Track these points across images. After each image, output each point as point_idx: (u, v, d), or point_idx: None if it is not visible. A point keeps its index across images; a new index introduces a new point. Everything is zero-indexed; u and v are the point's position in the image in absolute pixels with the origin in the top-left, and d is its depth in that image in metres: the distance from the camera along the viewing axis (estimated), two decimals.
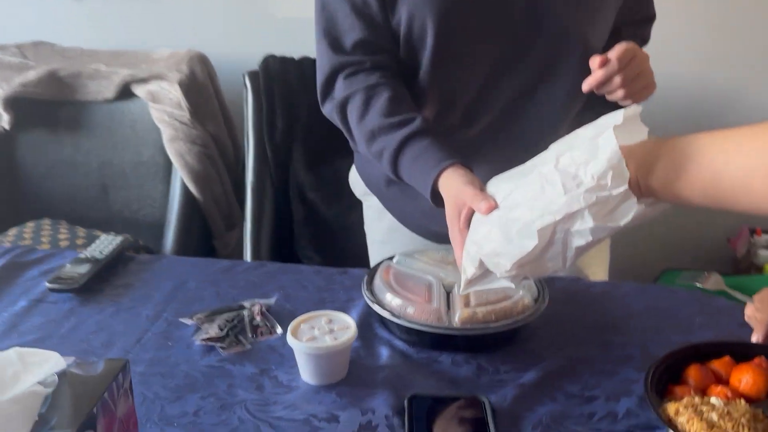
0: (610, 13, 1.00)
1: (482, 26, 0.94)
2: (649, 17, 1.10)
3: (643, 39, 1.08)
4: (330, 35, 0.96)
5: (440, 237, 1.13)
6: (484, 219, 0.73)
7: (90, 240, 1.59)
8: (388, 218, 1.16)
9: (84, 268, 0.99)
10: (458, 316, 0.81)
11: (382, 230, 1.19)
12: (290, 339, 0.76)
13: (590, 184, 0.62)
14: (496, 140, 1.04)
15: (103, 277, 1.02)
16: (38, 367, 0.55)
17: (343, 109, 0.96)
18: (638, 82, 0.89)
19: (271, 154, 1.55)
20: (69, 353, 0.82)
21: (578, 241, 0.65)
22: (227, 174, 1.84)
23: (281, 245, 1.54)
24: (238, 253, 1.86)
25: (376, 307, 0.85)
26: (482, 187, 0.77)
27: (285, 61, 1.59)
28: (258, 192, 1.54)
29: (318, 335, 0.77)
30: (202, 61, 1.78)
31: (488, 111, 1.01)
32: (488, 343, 0.83)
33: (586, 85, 0.88)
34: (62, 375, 0.59)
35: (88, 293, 0.98)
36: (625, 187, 0.61)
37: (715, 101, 2.03)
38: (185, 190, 1.70)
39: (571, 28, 0.96)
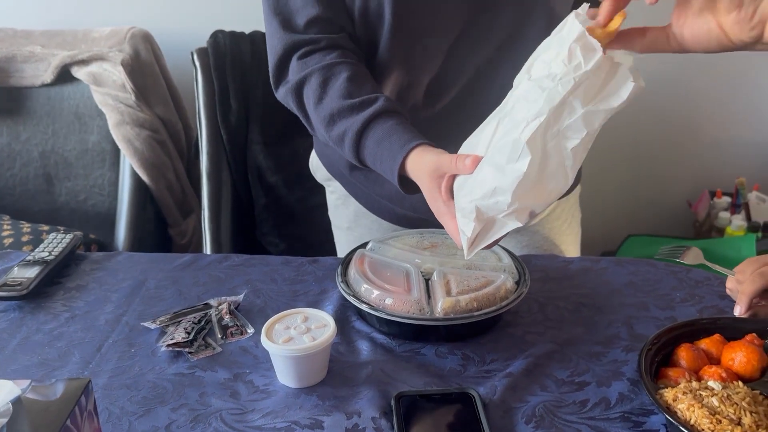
0: None
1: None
2: None
3: None
4: (281, 13, 0.89)
5: (410, 221, 1.09)
6: (468, 175, 0.69)
7: (36, 235, 1.50)
8: (353, 203, 1.11)
9: (32, 272, 0.92)
10: (440, 305, 0.78)
11: (347, 216, 1.14)
12: (265, 342, 0.71)
13: (563, 70, 0.59)
14: (460, 116, 0.99)
15: (54, 280, 0.95)
16: None
17: (298, 92, 0.89)
18: None
19: (226, 136, 1.48)
20: (22, 369, 0.76)
21: (573, 140, 0.62)
22: (180, 159, 1.76)
23: (242, 233, 1.48)
24: (197, 242, 1.79)
25: (353, 300, 0.81)
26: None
27: (235, 36, 1.52)
28: (214, 177, 1.47)
29: (295, 335, 0.72)
30: (146, 39, 1.68)
31: (451, 87, 0.96)
32: (472, 331, 0.80)
33: None
34: (17, 403, 0.54)
35: (39, 299, 0.91)
36: (598, 55, 0.58)
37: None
38: (136, 177, 1.62)
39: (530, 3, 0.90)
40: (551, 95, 0.61)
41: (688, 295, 0.90)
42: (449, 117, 0.99)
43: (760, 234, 1.89)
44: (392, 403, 0.68)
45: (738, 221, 1.99)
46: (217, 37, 1.49)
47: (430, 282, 0.84)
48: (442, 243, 0.94)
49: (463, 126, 0.98)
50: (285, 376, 0.73)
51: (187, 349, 0.78)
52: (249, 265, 1.00)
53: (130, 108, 1.59)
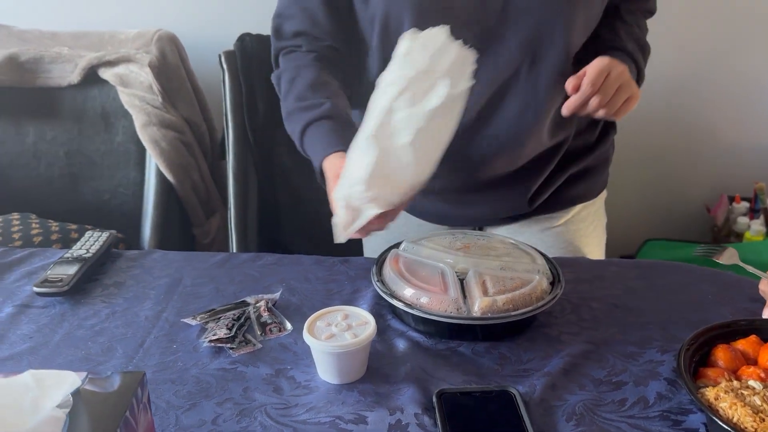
0: (594, 4, 0.97)
1: (457, 21, 0.90)
2: None
3: (646, 11, 1.06)
4: (279, 16, 1.04)
5: (439, 217, 1.11)
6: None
7: (65, 234, 1.52)
8: None
9: (72, 269, 0.93)
10: (478, 305, 0.79)
11: None
12: (308, 338, 0.72)
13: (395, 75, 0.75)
14: (472, 142, 1.03)
15: (92, 277, 0.97)
16: (56, 390, 0.51)
17: (277, 83, 1.04)
18: (618, 98, 0.90)
19: (253, 137, 1.50)
20: (67, 363, 0.78)
21: (405, 137, 0.74)
22: (204, 160, 1.78)
23: (267, 233, 1.50)
24: (219, 242, 1.81)
25: (390, 299, 0.82)
26: None
27: (262, 39, 1.53)
28: (240, 178, 1.49)
29: (336, 332, 0.73)
30: (173, 41, 1.70)
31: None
32: (508, 331, 0.81)
33: (565, 110, 0.90)
34: (76, 394, 0.55)
35: (78, 295, 0.92)
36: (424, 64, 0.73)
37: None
38: (161, 178, 1.64)
39: (548, 24, 0.93)
40: (382, 98, 0.75)
41: (720, 298, 0.91)
42: (463, 143, 1.00)
43: None
44: (434, 399, 0.70)
45: (757, 226, 1.99)
46: (245, 40, 1.50)
47: (464, 282, 0.85)
48: (475, 244, 0.95)
49: (475, 151, 1.00)
50: (326, 372, 0.74)
51: (228, 345, 0.80)
52: (282, 264, 1.02)
53: (156, 109, 1.61)
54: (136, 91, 1.62)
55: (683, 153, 2.15)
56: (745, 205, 2.07)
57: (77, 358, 0.79)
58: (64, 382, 0.52)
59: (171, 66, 1.66)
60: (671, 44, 1.97)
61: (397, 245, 0.95)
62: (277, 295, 0.91)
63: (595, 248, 1.20)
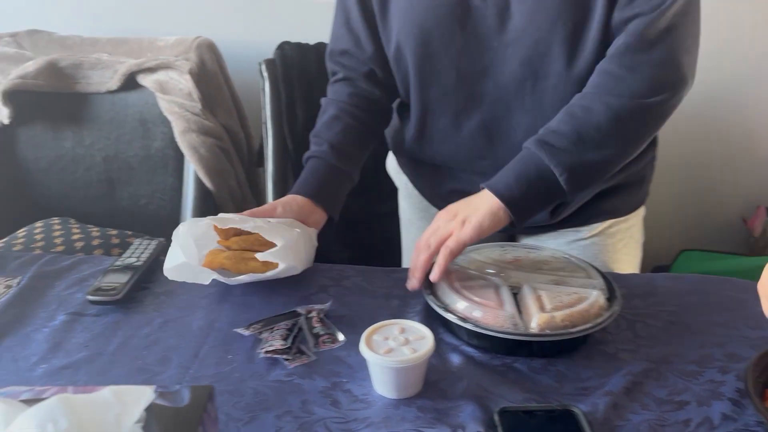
0: (595, 21, 0.91)
1: (455, 47, 0.98)
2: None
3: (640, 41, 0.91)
4: (333, 34, 1.12)
5: None
6: None
7: (105, 239, 1.53)
8: (417, 196, 1.23)
9: (124, 277, 0.94)
10: (536, 321, 0.78)
11: (413, 209, 1.25)
12: (367, 352, 0.72)
13: None
14: (483, 159, 1.06)
15: (142, 285, 0.97)
16: (135, 406, 0.51)
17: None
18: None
19: (292, 145, 1.50)
20: (124, 374, 0.78)
21: None
22: (241, 166, 1.79)
23: None
24: None
25: (445, 314, 0.82)
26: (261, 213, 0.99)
27: (302, 48, 1.54)
28: (280, 186, 1.49)
29: (395, 347, 0.73)
30: (211, 48, 1.71)
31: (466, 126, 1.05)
32: (565, 348, 0.80)
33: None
34: (149, 409, 0.55)
35: (130, 303, 0.93)
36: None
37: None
38: (200, 184, 1.64)
39: (545, 41, 0.92)
40: None
41: None
42: (477, 138, 1.04)
43: None
44: (495, 417, 0.69)
45: None
46: (284, 48, 1.51)
47: (518, 296, 0.85)
48: (526, 257, 0.94)
49: (494, 161, 1.01)
50: (384, 387, 0.73)
51: (284, 357, 0.80)
52: (324, 274, 1.02)
53: (196, 116, 1.62)
54: (175, 97, 1.63)
55: (720, 163, 2.12)
56: None
57: (134, 368, 0.80)
58: (142, 398, 0.52)
59: (210, 73, 1.68)
60: (708, 50, 1.94)
61: None
62: (327, 306, 0.91)
63: (625, 265, 1.17)
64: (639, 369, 0.78)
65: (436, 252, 0.87)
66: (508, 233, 1.16)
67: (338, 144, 1.05)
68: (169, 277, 0.90)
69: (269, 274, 0.91)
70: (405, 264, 1.29)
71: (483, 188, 0.90)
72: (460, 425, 0.69)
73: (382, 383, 0.73)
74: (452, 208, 0.90)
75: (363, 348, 0.73)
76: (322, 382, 0.76)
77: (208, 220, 0.93)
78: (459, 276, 0.88)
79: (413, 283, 0.87)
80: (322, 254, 1.48)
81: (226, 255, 0.91)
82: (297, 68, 1.49)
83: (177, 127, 1.63)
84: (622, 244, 1.14)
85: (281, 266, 0.90)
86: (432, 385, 0.76)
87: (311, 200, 1.02)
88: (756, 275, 1.04)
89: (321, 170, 1.04)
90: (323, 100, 1.12)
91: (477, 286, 0.86)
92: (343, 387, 0.76)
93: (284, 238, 0.92)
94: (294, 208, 1.00)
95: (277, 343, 0.80)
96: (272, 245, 0.90)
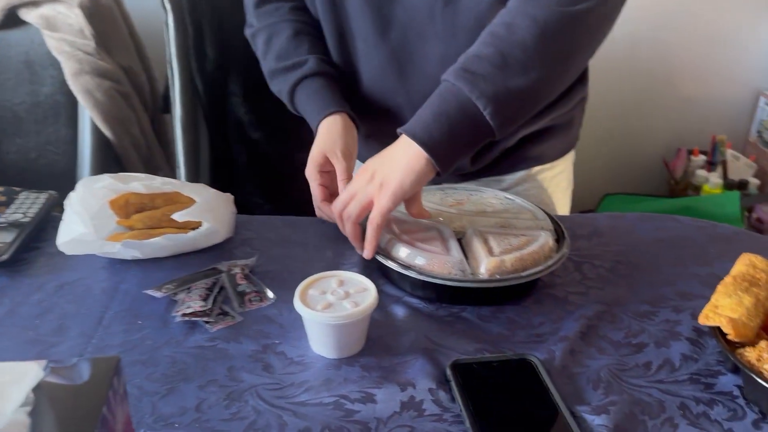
0: None
1: None
2: None
3: None
4: None
5: None
6: None
7: None
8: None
9: (9, 236, 0.81)
10: (485, 266, 0.72)
11: None
12: (303, 309, 0.64)
13: None
14: (396, 92, 0.97)
15: (31, 245, 0.85)
16: (17, 386, 0.41)
17: (253, 41, 1.01)
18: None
19: (202, 87, 1.37)
20: (14, 347, 0.67)
21: None
22: (145, 113, 1.63)
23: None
24: None
25: (387, 262, 0.74)
26: (351, 152, 0.88)
27: None
28: (190, 132, 1.36)
29: (334, 301, 0.65)
30: None
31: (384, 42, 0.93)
32: (515, 293, 0.75)
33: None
34: (38, 389, 0.45)
35: (18, 265, 0.80)
36: None
37: None
38: (98, 133, 1.48)
39: None
40: None
41: (722, 251, 0.88)
42: (388, 69, 0.95)
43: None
44: (448, 372, 0.63)
45: (714, 179, 2.01)
46: None
47: (463, 242, 0.79)
48: (468, 199, 0.88)
49: (407, 93, 0.93)
50: (323, 346, 0.66)
51: (204, 319, 0.70)
52: (247, 226, 0.92)
53: (89, 56, 1.45)
54: (64, 35, 1.45)
55: (641, 107, 2.14)
56: (702, 158, 2.09)
57: (24, 340, 0.68)
58: (25, 376, 0.42)
59: (104, 7, 1.49)
60: None
61: None
62: (252, 260, 0.81)
63: (564, 207, 1.13)
64: (591, 312, 0.74)
65: (360, 220, 0.79)
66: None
67: (320, 56, 0.95)
68: (66, 252, 0.78)
69: (192, 235, 0.80)
70: None
71: (400, 134, 0.79)
72: (409, 382, 0.63)
73: (321, 342, 0.66)
74: (369, 166, 0.79)
75: (298, 304, 0.65)
76: (251, 345, 0.68)
77: (105, 181, 0.80)
78: (398, 221, 0.81)
79: (366, 253, 0.77)
80: (242, 208, 1.37)
81: (129, 236, 0.80)
82: (205, 1, 1.35)
83: (68, 69, 1.45)
84: (549, 192, 1.08)
85: (205, 225, 0.80)
86: (375, 342, 0.69)
87: (348, 115, 0.92)
88: None
89: (329, 84, 0.94)
90: (254, 30, 1.00)
91: (419, 232, 0.79)
92: (275, 349, 0.67)
93: (202, 195, 0.81)
94: (341, 130, 0.90)
95: (196, 305, 0.71)
96: (185, 207, 0.80)
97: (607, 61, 2.09)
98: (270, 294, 0.76)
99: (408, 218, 0.81)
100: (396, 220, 0.81)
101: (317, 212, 0.90)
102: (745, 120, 2.18)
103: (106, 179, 0.80)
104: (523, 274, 0.72)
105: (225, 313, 0.72)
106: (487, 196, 0.89)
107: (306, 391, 0.62)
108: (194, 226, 0.80)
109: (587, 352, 0.68)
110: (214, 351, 0.67)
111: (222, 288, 0.76)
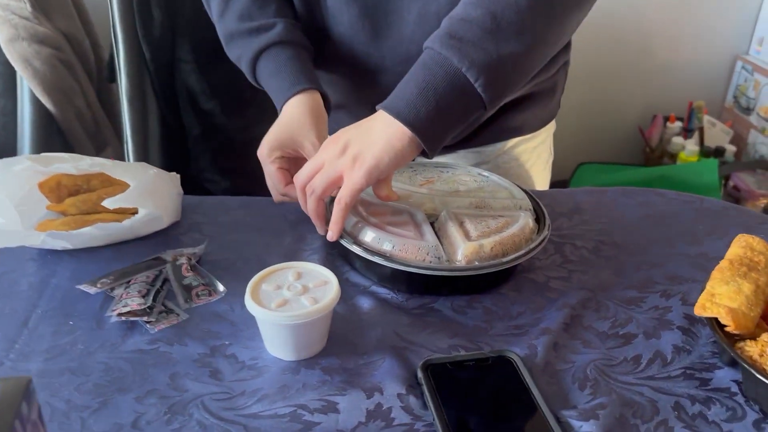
0: None
1: None
2: None
3: None
4: None
5: None
6: None
7: None
8: None
9: None
10: (462, 252, 0.66)
11: None
12: (255, 308, 0.57)
13: None
14: (371, 54, 0.87)
15: None
16: None
17: (206, 1, 0.89)
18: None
19: (149, 54, 1.27)
20: None
21: None
22: (89, 83, 1.52)
23: (175, 169, 1.29)
24: None
25: (353, 247, 0.67)
26: (319, 138, 0.77)
27: None
28: (137, 103, 1.26)
29: (291, 297, 0.58)
30: None
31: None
32: (492, 280, 0.69)
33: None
34: None
35: None
36: None
37: None
38: (38, 105, 1.37)
39: None
40: None
41: (711, 228, 0.83)
42: (365, 47, 0.86)
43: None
44: (419, 374, 0.57)
45: (691, 146, 1.97)
46: None
47: (436, 225, 0.72)
48: (439, 178, 0.81)
49: (382, 55, 0.85)
50: (280, 348, 0.59)
51: (144, 318, 0.63)
52: (196, 209, 0.84)
53: (25, 20, 1.33)
54: None
55: (616, 73, 2.09)
56: (679, 125, 2.05)
57: None
58: None
59: None
60: None
61: None
62: (201, 248, 0.74)
63: (543, 182, 1.07)
64: (575, 299, 0.68)
65: (326, 195, 0.71)
66: None
67: (290, 20, 0.84)
68: None
69: (127, 224, 0.72)
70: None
71: (378, 110, 0.70)
72: (376, 387, 0.56)
73: (277, 344, 0.59)
74: (342, 136, 0.70)
75: (250, 303, 0.57)
76: (198, 347, 0.61)
77: (24, 164, 0.71)
78: (365, 203, 0.74)
79: (331, 234, 0.69)
80: (194, 185, 1.28)
81: (61, 222, 0.71)
82: None
83: (2, 35, 1.34)
84: (529, 165, 1.01)
85: (142, 212, 0.72)
86: (338, 339, 0.62)
87: (321, 94, 0.82)
88: (653, 186, 0.97)
89: (299, 55, 0.83)
90: None
91: (388, 215, 0.72)
92: (225, 352, 0.60)
93: (137, 177, 0.73)
94: (312, 114, 0.80)
95: (134, 302, 0.63)
96: (122, 190, 0.72)
97: (582, 27, 2.02)
98: (220, 287, 0.68)
99: (375, 199, 0.74)
100: (362, 201, 0.74)
101: (276, 198, 0.82)
102: (722, 85, 2.14)
103: (25, 161, 0.71)
104: (505, 260, 0.66)
105: (169, 311, 0.65)
106: (460, 173, 0.82)
107: (259, 401, 0.55)
108: (131, 212, 0.72)
109: (572, 346, 0.62)
110: (155, 355, 0.60)
111: (165, 281, 0.68)
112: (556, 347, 0.62)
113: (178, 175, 0.83)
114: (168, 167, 1.00)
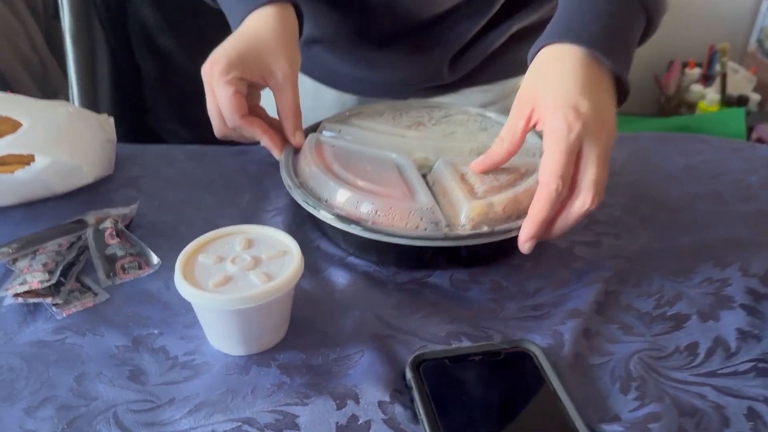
0: None
1: None
2: None
3: None
4: None
5: (337, 80, 0.83)
6: None
7: None
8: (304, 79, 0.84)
9: None
10: (466, 214, 0.51)
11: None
12: (185, 288, 0.43)
13: None
14: None
15: None
16: None
17: None
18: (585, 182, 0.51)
19: None
20: None
21: None
22: (35, 23, 1.35)
23: (128, 117, 1.14)
24: None
25: (320, 213, 0.53)
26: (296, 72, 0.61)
27: None
28: (83, 42, 1.10)
29: (235, 273, 0.44)
30: None
31: None
32: (503, 248, 0.55)
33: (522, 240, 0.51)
34: None
35: None
36: None
37: None
38: None
39: None
40: None
41: (766, 180, 0.69)
42: None
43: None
44: (408, 374, 0.43)
45: (711, 95, 1.82)
46: None
47: (430, 179, 0.58)
48: (430, 119, 0.67)
49: None
50: (223, 340, 0.45)
51: (50, 299, 0.49)
52: (138, 161, 0.70)
53: None
54: None
55: None
56: (698, 71, 1.90)
57: None
58: None
59: None
60: None
61: (314, 127, 0.65)
62: (132, 209, 0.60)
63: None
64: (608, 271, 0.54)
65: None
66: (393, 96, 0.84)
67: None
68: None
69: (23, 176, 0.58)
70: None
71: (541, 49, 0.53)
72: (349, 393, 0.43)
73: (219, 335, 0.45)
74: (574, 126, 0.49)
75: (180, 281, 0.43)
76: (117, 338, 0.47)
77: None
78: (338, 155, 0.59)
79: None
80: (153, 138, 1.15)
81: None
82: None
83: None
84: None
85: (41, 160, 0.57)
86: (302, 327, 0.48)
87: (294, 7, 0.64)
88: None
89: None
90: None
91: (369, 169, 0.57)
92: (152, 344, 0.47)
93: (35, 115, 0.58)
94: (284, 32, 0.62)
95: (36, 279, 0.49)
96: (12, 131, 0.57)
97: None
98: (154, 258, 0.54)
99: (351, 151, 0.60)
100: (337, 154, 0.59)
101: (219, 131, 0.63)
102: (745, 28, 1.97)
103: None
104: (522, 222, 0.52)
105: (84, 289, 0.51)
106: (455, 113, 0.68)
107: (192, 413, 0.41)
108: (24, 161, 0.57)
109: (608, 333, 0.48)
110: (60, 349, 0.46)
111: (83, 251, 0.54)
112: (588, 335, 0.48)
113: (111, 118, 0.69)
114: (120, 116, 0.85)
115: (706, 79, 1.87)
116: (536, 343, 0.46)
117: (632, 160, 0.72)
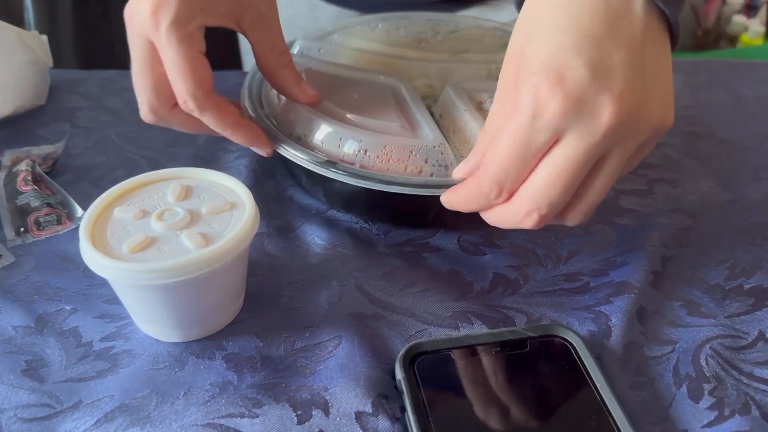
0: None
1: None
2: None
3: None
4: None
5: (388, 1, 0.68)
6: None
7: None
8: None
9: None
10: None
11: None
12: (90, 254, 0.31)
13: None
14: None
15: None
16: None
17: None
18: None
19: None
20: None
21: None
22: None
23: (90, 52, 1.02)
24: None
25: (298, 158, 0.41)
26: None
27: None
28: None
29: (162, 233, 0.33)
30: None
31: None
32: None
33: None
34: None
35: None
36: None
37: None
38: None
39: None
40: None
41: None
42: None
43: None
44: (399, 372, 0.32)
45: (756, 26, 1.67)
46: None
47: (436, 110, 0.46)
48: (434, 33, 0.54)
49: None
50: (152, 323, 0.34)
51: None
52: (80, 89, 0.58)
53: None
54: None
55: None
56: (740, 0, 1.73)
57: None
58: None
59: None
60: None
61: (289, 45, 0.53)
62: (58, 148, 0.48)
63: None
64: (666, 230, 0.43)
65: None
66: (401, 8, 0.71)
67: None
68: None
69: None
70: (247, 68, 0.85)
71: None
72: (316, 400, 0.32)
73: (147, 317, 0.34)
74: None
75: (85, 245, 0.32)
76: (17, 316, 0.36)
77: None
78: (316, 78, 0.47)
79: None
80: (114, 56, 1.02)
81: None
82: None
83: None
84: None
85: None
86: (263, 304, 0.37)
87: None
88: None
89: None
90: None
91: (354, 95, 0.45)
92: (62, 324, 0.36)
93: None
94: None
95: None
96: None
97: None
98: (78, 211, 0.43)
99: (334, 71, 0.48)
100: (309, 74, 0.47)
101: (153, 112, 0.41)
102: None
103: None
104: None
105: None
106: (467, 26, 0.55)
107: (98, 425, 0.31)
108: None
109: (669, 313, 0.37)
110: None
111: None
112: (643, 315, 0.37)
113: (44, 36, 0.56)
114: (82, 52, 0.74)
115: (750, 9, 1.72)
116: (573, 329, 0.34)
117: (690, 91, 0.59)
